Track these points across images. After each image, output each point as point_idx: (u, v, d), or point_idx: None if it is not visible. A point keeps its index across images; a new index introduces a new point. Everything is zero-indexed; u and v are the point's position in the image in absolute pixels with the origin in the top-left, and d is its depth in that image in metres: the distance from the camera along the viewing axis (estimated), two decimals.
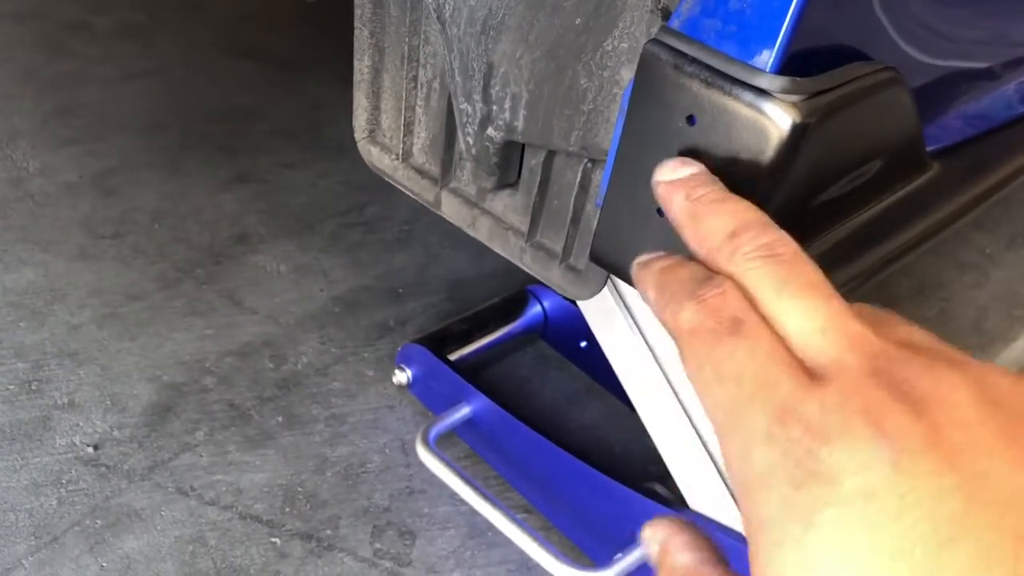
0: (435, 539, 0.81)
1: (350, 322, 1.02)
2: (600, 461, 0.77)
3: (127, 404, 0.90)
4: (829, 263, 0.54)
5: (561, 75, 0.52)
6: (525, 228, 0.63)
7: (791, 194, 0.42)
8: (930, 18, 0.51)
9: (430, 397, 0.91)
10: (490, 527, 0.77)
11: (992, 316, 1.00)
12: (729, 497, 0.66)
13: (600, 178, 0.55)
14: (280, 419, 0.90)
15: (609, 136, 0.51)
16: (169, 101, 1.35)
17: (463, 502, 0.80)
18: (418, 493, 0.85)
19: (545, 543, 0.72)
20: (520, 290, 0.99)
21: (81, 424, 0.87)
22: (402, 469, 0.87)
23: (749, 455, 0.28)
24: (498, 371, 0.96)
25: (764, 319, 0.30)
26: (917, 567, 0.25)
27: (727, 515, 0.67)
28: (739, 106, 0.39)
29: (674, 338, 0.32)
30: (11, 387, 0.90)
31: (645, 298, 0.34)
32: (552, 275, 0.62)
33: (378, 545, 0.80)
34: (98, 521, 0.79)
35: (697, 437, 0.66)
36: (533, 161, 0.60)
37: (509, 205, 0.64)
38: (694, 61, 0.41)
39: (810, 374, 0.28)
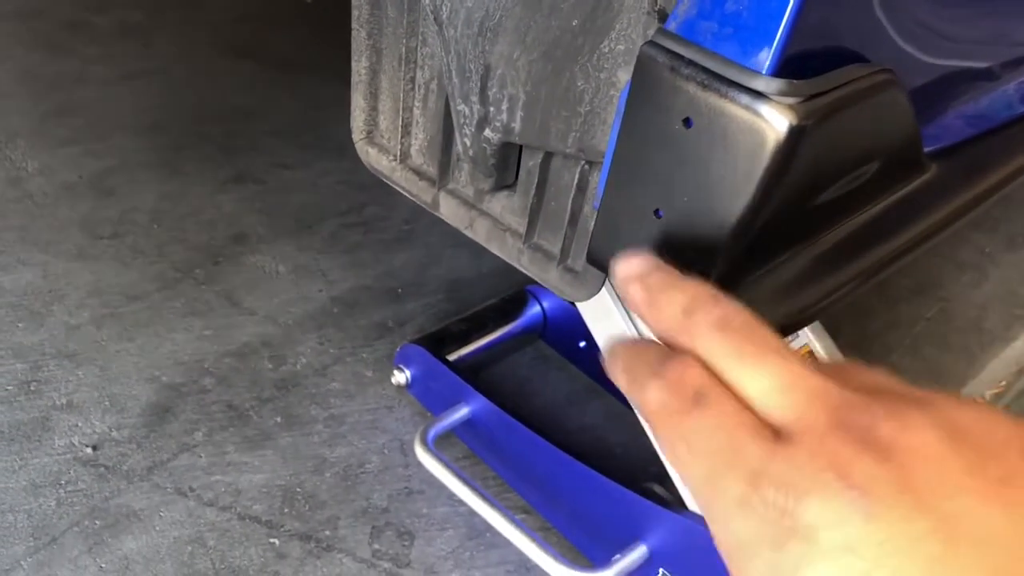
0: (434, 540, 0.81)
1: (349, 322, 1.02)
2: (599, 462, 0.77)
3: (126, 405, 0.90)
4: (829, 264, 0.54)
5: (558, 77, 0.52)
6: (523, 229, 0.62)
7: (788, 196, 0.42)
8: (929, 18, 0.51)
9: (429, 397, 0.91)
10: (489, 528, 0.77)
11: (991, 316, 1.00)
12: None
13: (597, 180, 0.55)
14: (279, 420, 0.90)
15: (606, 138, 0.51)
16: (168, 101, 1.35)
17: (462, 503, 0.80)
18: (417, 494, 0.85)
19: (544, 544, 0.72)
20: (519, 290, 0.99)
21: (80, 425, 0.87)
22: (401, 470, 0.87)
23: (729, 524, 0.28)
24: (497, 371, 0.96)
25: (727, 388, 0.30)
26: None
27: None
28: (736, 108, 0.39)
29: (645, 419, 0.32)
30: (9, 388, 0.90)
31: (618, 384, 0.35)
32: (550, 276, 0.62)
33: (377, 546, 0.80)
34: (97, 522, 0.79)
35: None
36: (531, 163, 0.60)
37: (507, 206, 0.64)
38: (690, 63, 0.41)
39: (777, 435, 0.29)
